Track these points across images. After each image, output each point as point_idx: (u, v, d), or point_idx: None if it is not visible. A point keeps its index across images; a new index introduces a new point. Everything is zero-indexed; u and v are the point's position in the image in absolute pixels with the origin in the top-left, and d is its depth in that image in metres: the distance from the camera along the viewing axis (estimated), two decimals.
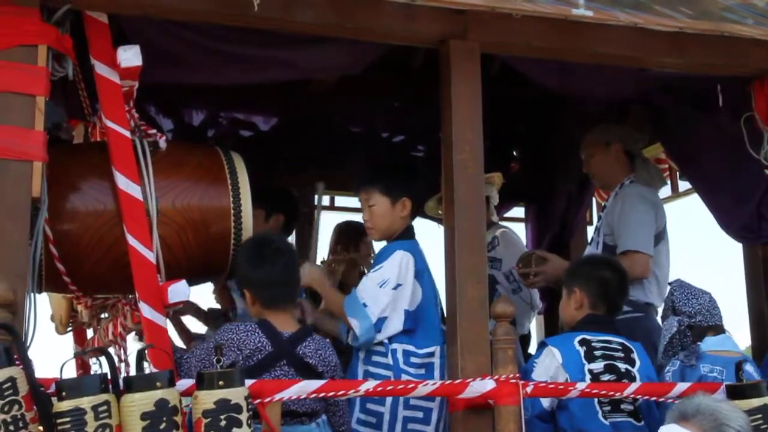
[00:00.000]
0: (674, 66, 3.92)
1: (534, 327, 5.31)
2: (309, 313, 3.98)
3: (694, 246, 13.33)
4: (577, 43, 3.70)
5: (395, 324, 3.66)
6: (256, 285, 3.39)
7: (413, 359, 3.68)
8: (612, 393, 3.51)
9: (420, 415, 3.64)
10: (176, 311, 4.46)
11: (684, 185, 5.58)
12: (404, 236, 3.86)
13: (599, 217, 4.71)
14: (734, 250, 4.61)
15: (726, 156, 4.32)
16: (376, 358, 3.71)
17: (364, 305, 3.63)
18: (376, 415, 3.63)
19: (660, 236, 4.43)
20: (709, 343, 3.78)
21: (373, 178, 3.88)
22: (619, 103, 4.87)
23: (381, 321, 3.64)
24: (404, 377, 3.61)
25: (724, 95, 4.05)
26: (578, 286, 3.83)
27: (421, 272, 3.76)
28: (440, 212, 3.83)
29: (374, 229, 3.89)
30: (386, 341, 3.68)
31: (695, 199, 4.87)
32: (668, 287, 4.07)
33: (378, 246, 5.26)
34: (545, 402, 3.56)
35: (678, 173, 5.43)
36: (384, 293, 3.65)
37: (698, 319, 3.83)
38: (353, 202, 5.95)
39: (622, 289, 3.88)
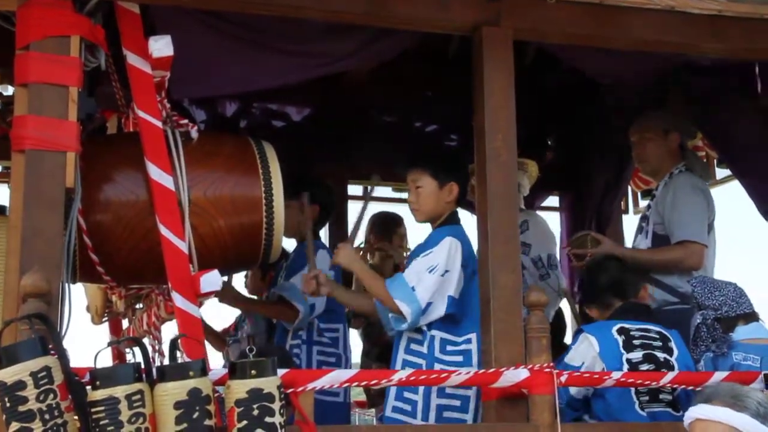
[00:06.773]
0: (714, 51, 3.85)
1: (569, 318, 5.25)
2: (324, 284, 3.96)
3: (732, 234, 13.11)
4: (613, 28, 3.64)
5: (439, 309, 3.65)
6: None
7: (449, 347, 3.67)
8: (647, 382, 3.46)
9: (457, 403, 3.62)
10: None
11: (721, 173, 5.49)
12: (450, 221, 3.84)
13: (648, 206, 4.60)
14: None
15: (766, 142, 4.23)
16: (414, 347, 3.71)
17: (413, 289, 3.62)
18: (410, 402, 3.63)
19: (710, 227, 4.33)
20: (741, 332, 3.72)
21: (423, 160, 3.87)
22: (657, 91, 4.79)
23: (427, 306, 3.63)
24: (437, 366, 3.59)
25: (763, 80, 3.97)
26: None
27: (467, 259, 3.74)
28: (471, 199, 3.81)
29: (419, 210, 3.87)
30: (425, 328, 3.67)
31: (734, 186, 4.79)
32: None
33: (412, 237, 5.30)
34: (572, 389, 3.52)
35: (716, 161, 5.34)
36: (432, 279, 3.64)
37: (724, 310, 3.77)
38: (386, 192, 5.94)
39: None
